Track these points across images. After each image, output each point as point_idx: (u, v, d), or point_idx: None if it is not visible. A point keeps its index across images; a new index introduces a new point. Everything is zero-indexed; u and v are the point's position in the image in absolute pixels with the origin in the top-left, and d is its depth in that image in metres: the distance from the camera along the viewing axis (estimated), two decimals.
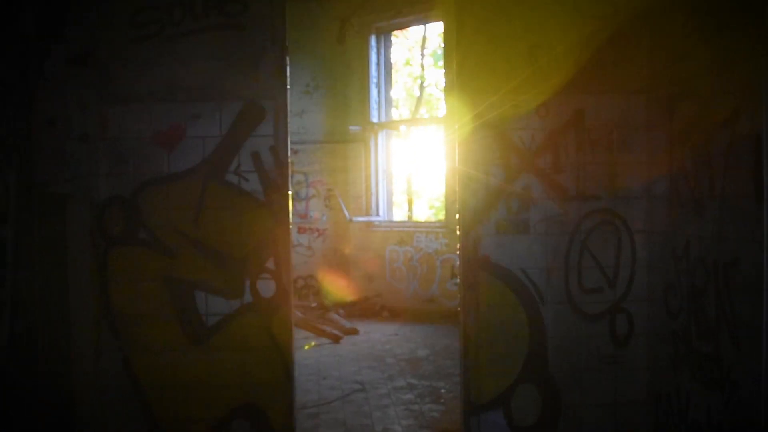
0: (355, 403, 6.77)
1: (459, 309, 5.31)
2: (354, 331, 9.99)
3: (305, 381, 7.46)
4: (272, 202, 5.05)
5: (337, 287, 11.78)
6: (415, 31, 14.68)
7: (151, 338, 5.10)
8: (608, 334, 5.19)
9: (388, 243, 11.49)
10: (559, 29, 5.05)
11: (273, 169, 5.05)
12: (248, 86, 5.04)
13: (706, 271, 4.28)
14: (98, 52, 5.05)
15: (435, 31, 14.49)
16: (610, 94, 5.09)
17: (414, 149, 12.76)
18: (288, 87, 5.11)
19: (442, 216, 12.44)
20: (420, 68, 15.07)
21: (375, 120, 11.67)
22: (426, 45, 14.68)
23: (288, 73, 5.12)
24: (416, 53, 15.59)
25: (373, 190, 11.75)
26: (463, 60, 5.18)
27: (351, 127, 11.61)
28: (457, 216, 5.27)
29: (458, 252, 5.28)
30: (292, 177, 11.24)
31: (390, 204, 11.97)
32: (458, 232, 5.24)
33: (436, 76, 15.76)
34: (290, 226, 5.14)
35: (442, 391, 7.09)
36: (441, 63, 14.85)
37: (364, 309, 11.28)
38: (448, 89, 10.15)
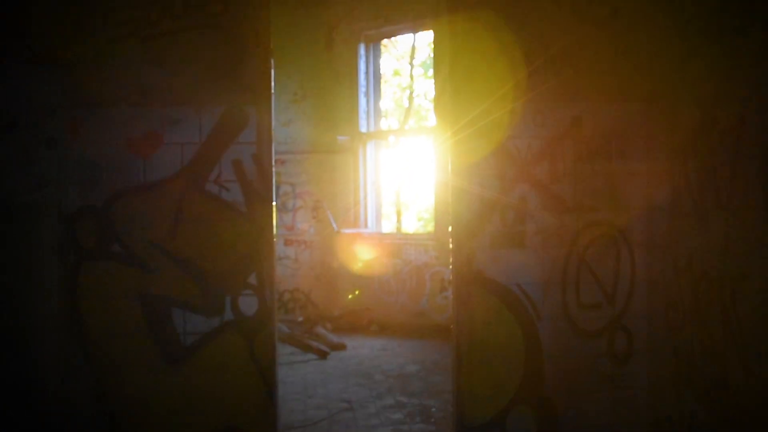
0: (343, 423, 6.51)
1: (451, 325, 5.14)
2: (341, 346, 9.75)
3: (291, 399, 7.20)
4: (255, 214, 4.85)
5: (325, 300, 11.51)
6: (404, 41, 14.53)
7: (125, 359, 4.87)
8: (607, 351, 5.02)
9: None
10: (555, 33, 4.91)
11: (256, 178, 4.83)
12: (230, 90, 4.85)
13: (711, 287, 4.09)
14: (68, 52, 4.80)
15: (425, 40, 14.40)
16: (608, 101, 4.93)
17: (403, 160, 12.59)
18: (272, 92, 4.91)
19: (431, 228, 12.22)
20: (409, 78, 14.91)
21: (364, 130, 11.47)
22: (415, 55, 14.53)
23: (273, 77, 4.92)
24: (405, 63, 15.43)
25: (362, 201, 11.54)
26: (455, 66, 5.01)
27: (339, 137, 11.43)
28: (449, 229, 5.09)
29: (450, 266, 5.10)
30: (278, 188, 11.25)
31: (379, 216, 11.77)
32: (450, 246, 5.06)
33: (426, 86, 15.60)
34: (275, 239, 4.94)
35: (433, 410, 6.85)
36: (431, 73, 14.70)
37: (352, 323, 11.03)
38: (439, 98, 10.02)
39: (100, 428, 4.87)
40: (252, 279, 4.87)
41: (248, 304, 4.88)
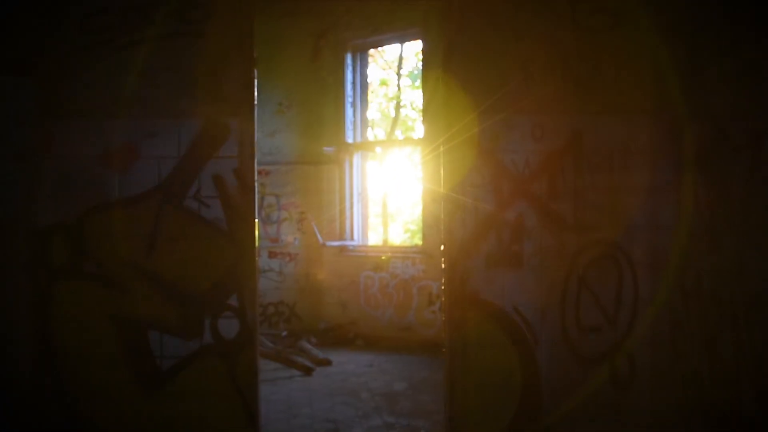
0: None
1: (443, 348, 5.01)
2: (327, 362, 9.52)
3: (274, 419, 6.95)
4: (236, 232, 4.69)
5: (309, 314, 11.33)
6: (391, 51, 14.42)
7: (99, 384, 4.69)
8: (608, 377, 4.85)
9: (363, 268, 11.07)
10: (555, 43, 4.80)
11: (237, 194, 4.69)
12: (211, 102, 4.69)
13: (722, 310, 4.02)
14: (40, 60, 4.64)
15: (412, 50, 14.31)
16: (611, 115, 4.80)
17: (390, 171, 12.43)
18: (256, 103, 4.76)
19: (417, 240, 12.05)
20: (397, 88, 14.78)
21: (350, 141, 11.31)
22: (402, 65, 14.39)
23: (256, 88, 4.78)
24: (392, 73, 15.31)
25: (348, 213, 11.38)
26: (449, 76, 4.88)
27: (325, 148, 11.27)
28: (442, 247, 4.94)
29: (442, 285, 4.97)
30: (263, 199, 11.04)
31: (365, 228, 11.61)
32: (443, 265, 4.90)
33: (413, 96, 15.48)
34: (257, 258, 4.79)
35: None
36: (418, 83, 14.58)
37: (338, 337, 10.87)
38: (427, 108, 9.86)
39: None
40: (233, 300, 4.73)
41: (229, 327, 4.73)
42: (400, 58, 13.79)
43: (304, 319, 11.36)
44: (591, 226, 4.81)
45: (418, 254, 10.63)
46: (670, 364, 4.57)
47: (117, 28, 4.63)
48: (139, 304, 4.69)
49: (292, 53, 11.26)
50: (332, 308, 11.23)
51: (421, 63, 10.71)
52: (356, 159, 11.40)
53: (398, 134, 14.71)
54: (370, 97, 12.64)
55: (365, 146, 11.52)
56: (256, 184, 4.73)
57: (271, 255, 11.53)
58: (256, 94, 4.77)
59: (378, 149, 11.73)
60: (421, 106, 10.57)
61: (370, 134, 12.94)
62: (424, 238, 10.60)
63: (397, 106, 15.06)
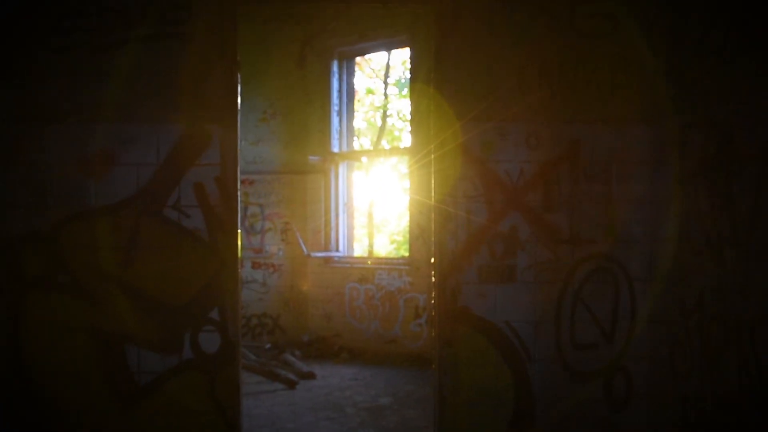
0: None
1: (432, 365, 4.92)
2: (311, 375, 9.39)
3: None
4: (218, 242, 4.58)
5: (293, 326, 11.20)
6: (378, 59, 14.37)
7: (73, 400, 4.55)
8: (604, 396, 4.78)
9: (349, 280, 10.94)
10: (551, 48, 4.73)
11: (219, 203, 4.58)
12: (192, 107, 4.58)
13: (726, 329, 3.80)
14: (12, 62, 4.52)
15: (399, 58, 14.25)
16: (609, 123, 4.75)
17: (376, 181, 12.32)
18: (239, 109, 4.66)
19: (404, 251, 11.92)
20: (383, 96, 14.69)
21: (336, 150, 11.20)
22: (389, 73, 14.30)
23: (239, 93, 4.68)
24: (379, 82, 15.26)
25: (333, 223, 11.26)
26: (440, 80, 4.79)
27: (310, 157, 11.17)
28: (432, 260, 4.87)
29: (433, 301, 4.86)
30: (246, 209, 10.91)
31: (350, 239, 11.51)
32: (433, 279, 4.82)
33: (399, 106, 15.42)
34: (239, 269, 4.70)
35: None
36: (405, 92, 14.49)
37: (322, 350, 10.74)
38: (414, 117, 9.76)
39: None
40: (214, 314, 4.63)
41: (209, 341, 4.62)
42: (387, 67, 13.75)
43: (287, 331, 11.22)
44: (587, 239, 4.73)
45: (405, 266, 10.52)
46: (668, 384, 4.47)
47: (93, 29, 4.52)
48: (115, 317, 4.56)
49: (277, 60, 11.16)
50: (317, 320, 11.10)
51: (408, 71, 10.61)
52: (342, 168, 11.31)
53: (384, 144, 14.62)
54: (357, 106, 12.54)
55: (351, 156, 11.42)
56: (239, 193, 4.64)
57: (255, 266, 11.38)
58: (239, 99, 4.67)
59: (364, 159, 11.62)
60: (408, 115, 10.47)
61: (356, 144, 12.85)
62: (411, 249, 10.51)
63: (384, 116, 14.98)
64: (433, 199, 4.77)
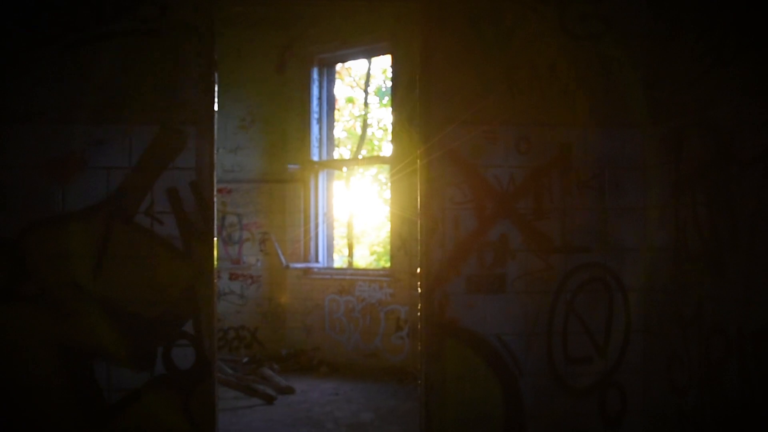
0: None
1: (418, 380, 4.80)
2: (290, 390, 9.26)
3: None
4: (193, 251, 4.43)
5: (272, 339, 11.06)
6: (358, 67, 14.37)
7: (39, 419, 4.37)
8: (598, 411, 4.68)
9: (328, 292, 10.85)
10: (541, 49, 4.66)
11: (194, 209, 4.43)
12: (166, 107, 4.43)
13: (727, 341, 3.67)
14: None
15: (379, 66, 14.28)
16: (601, 127, 4.69)
17: (356, 191, 12.25)
18: (216, 109, 4.52)
19: (384, 262, 11.80)
20: (364, 105, 14.64)
21: (316, 159, 11.14)
22: (370, 82, 14.23)
23: (216, 93, 4.52)
24: (359, 91, 15.25)
25: (312, 234, 11.19)
26: (428, 85, 4.70)
27: (289, 166, 11.12)
28: (419, 270, 4.74)
29: (419, 313, 4.72)
30: (224, 218, 10.74)
31: (330, 250, 11.43)
32: (419, 290, 4.69)
33: (379, 115, 15.41)
34: (215, 280, 4.53)
35: None
36: (386, 101, 14.42)
37: (301, 363, 10.63)
38: (396, 125, 9.71)
39: None
40: (188, 327, 4.45)
41: (183, 356, 4.45)
42: (368, 75, 13.71)
43: (266, 344, 11.07)
44: (579, 247, 4.65)
45: (386, 277, 10.43)
46: (665, 399, 4.36)
47: (64, 24, 4.37)
48: (83, 330, 4.38)
49: (256, 66, 11.08)
50: (296, 333, 10.97)
51: (390, 77, 10.52)
52: (322, 178, 11.24)
53: (364, 153, 14.58)
54: (337, 115, 12.47)
55: (331, 164, 11.34)
56: (215, 199, 4.49)
57: (233, 277, 11.26)
58: (216, 100, 4.52)
59: (344, 168, 11.54)
60: (389, 123, 10.40)
61: (336, 153, 12.78)
62: (392, 260, 10.42)
63: (364, 125, 14.91)
64: (419, 205, 4.65)
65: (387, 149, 14.07)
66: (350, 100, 15.87)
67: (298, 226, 11.05)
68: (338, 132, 14.91)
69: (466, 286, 4.57)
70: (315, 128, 11.10)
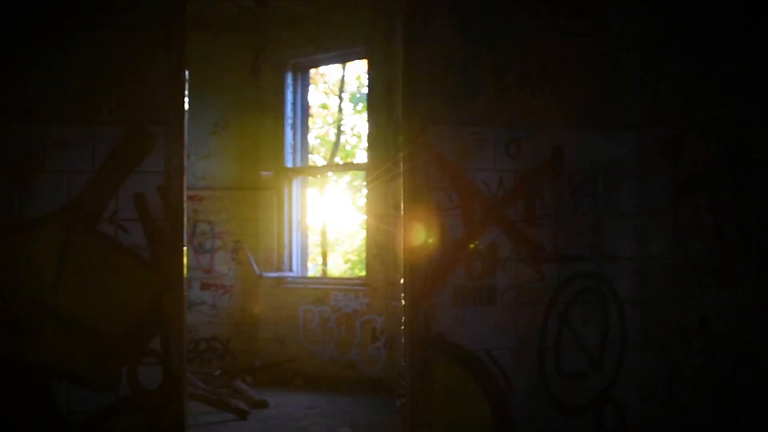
0: None
1: (402, 399, 4.75)
2: (263, 404, 9.09)
3: None
4: (161, 261, 4.23)
5: (245, 351, 10.90)
6: (333, 73, 14.39)
7: None
8: (594, 430, 4.55)
9: (303, 301, 10.72)
10: (532, 48, 4.53)
11: (162, 216, 4.24)
12: (133, 106, 4.25)
13: (735, 354, 3.53)
14: None
15: (353, 73, 14.24)
16: (595, 129, 4.57)
17: (330, 198, 12.12)
18: (186, 109, 4.34)
19: (358, 271, 11.62)
20: (338, 111, 14.52)
21: (290, 165, 11.07)
22: (344, 88, 14.13)
23: (187, 93, 4.32)
24: (333, 97, 15.20)
25: (286, 242, 11.09)
26: (411, 84, 4.52)
27: (263, 173, 11.05)
28: (402, 281, 4.53)
29: (403, 327, 4.52)
30: (195, 227, 10.51)
31: (305, 258, 11.35)
32: (403, 302, 4.48)
33: (353, 121, 15.37)
34: (184, 293, 4.31)
35: None
36: (360, 107, 14.29)
37: (275, 376, 10.46)
38: (372, 131, 9.63)
39: None
40: (155, 344, 4.26)
41: (150, 376, 4.25)
42: (342, 81, 13.62)
43: (239, 356, 10.92)
44: (573, 256, 4.53)
45: (362, 286, 10.32)
46: (666, 416, 4.21)
47: (26, 16, 4.17)
48: (42, 348, 4.17)
49: (229, 71, 10.95)
50: (269, 344, 10.80)
51: (366, 82, 10.39)
52: (296, 185, 11.13)
53: (338, 161, 14.53)
54: (310, 121, 12.35)
55: (305, 171, 11.24)
56: (185, 205, 4.28)
57: (204, 287, 11.10)
58: (187, 100, 4.34)
59: (319, 175, 11.39)
60: (364, 130, 10.32)
61: (310, 160, 12.67)
62: (368, 269, 10.31)
63: (338, 131, 14.78)
64: (402, 211, 4.47)
65: (361, 156, 13.96)
66: (324, 107, 15.80)
67: (271, 234, 10.95)
68: (312, 139, 14.84)
69: (454, 298, 4.40)
70: (289, 134, 10.98)
